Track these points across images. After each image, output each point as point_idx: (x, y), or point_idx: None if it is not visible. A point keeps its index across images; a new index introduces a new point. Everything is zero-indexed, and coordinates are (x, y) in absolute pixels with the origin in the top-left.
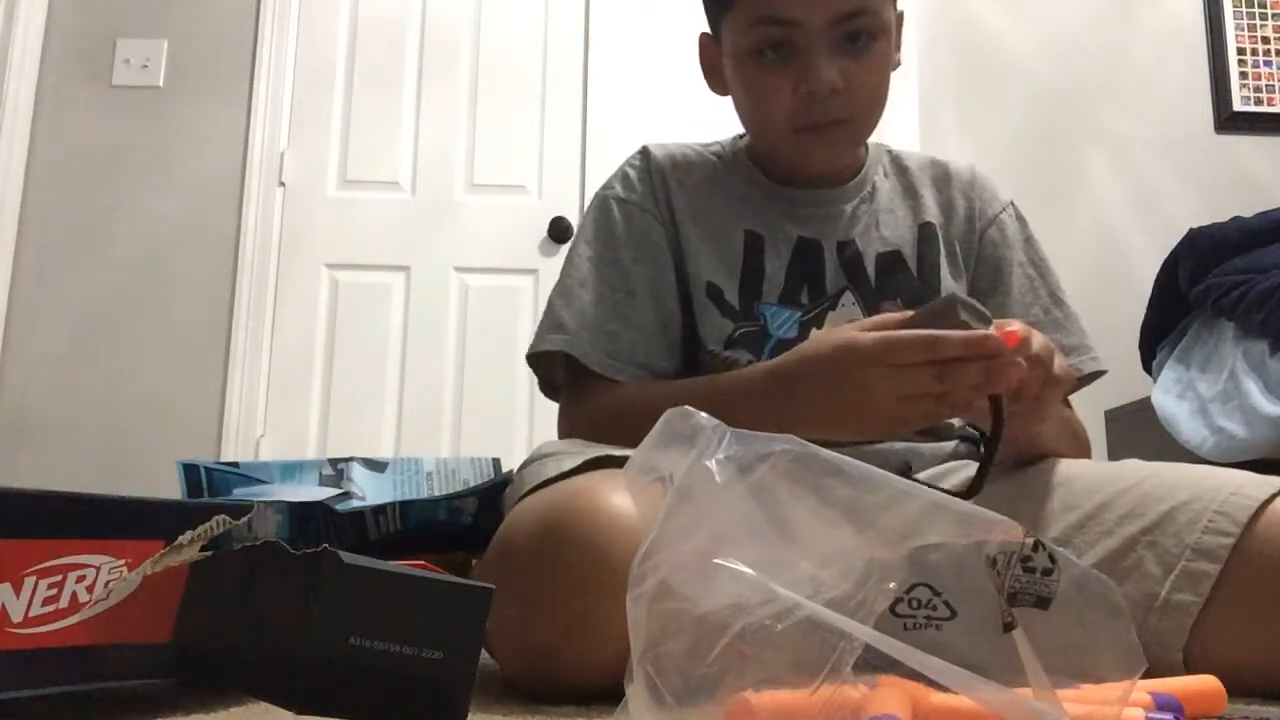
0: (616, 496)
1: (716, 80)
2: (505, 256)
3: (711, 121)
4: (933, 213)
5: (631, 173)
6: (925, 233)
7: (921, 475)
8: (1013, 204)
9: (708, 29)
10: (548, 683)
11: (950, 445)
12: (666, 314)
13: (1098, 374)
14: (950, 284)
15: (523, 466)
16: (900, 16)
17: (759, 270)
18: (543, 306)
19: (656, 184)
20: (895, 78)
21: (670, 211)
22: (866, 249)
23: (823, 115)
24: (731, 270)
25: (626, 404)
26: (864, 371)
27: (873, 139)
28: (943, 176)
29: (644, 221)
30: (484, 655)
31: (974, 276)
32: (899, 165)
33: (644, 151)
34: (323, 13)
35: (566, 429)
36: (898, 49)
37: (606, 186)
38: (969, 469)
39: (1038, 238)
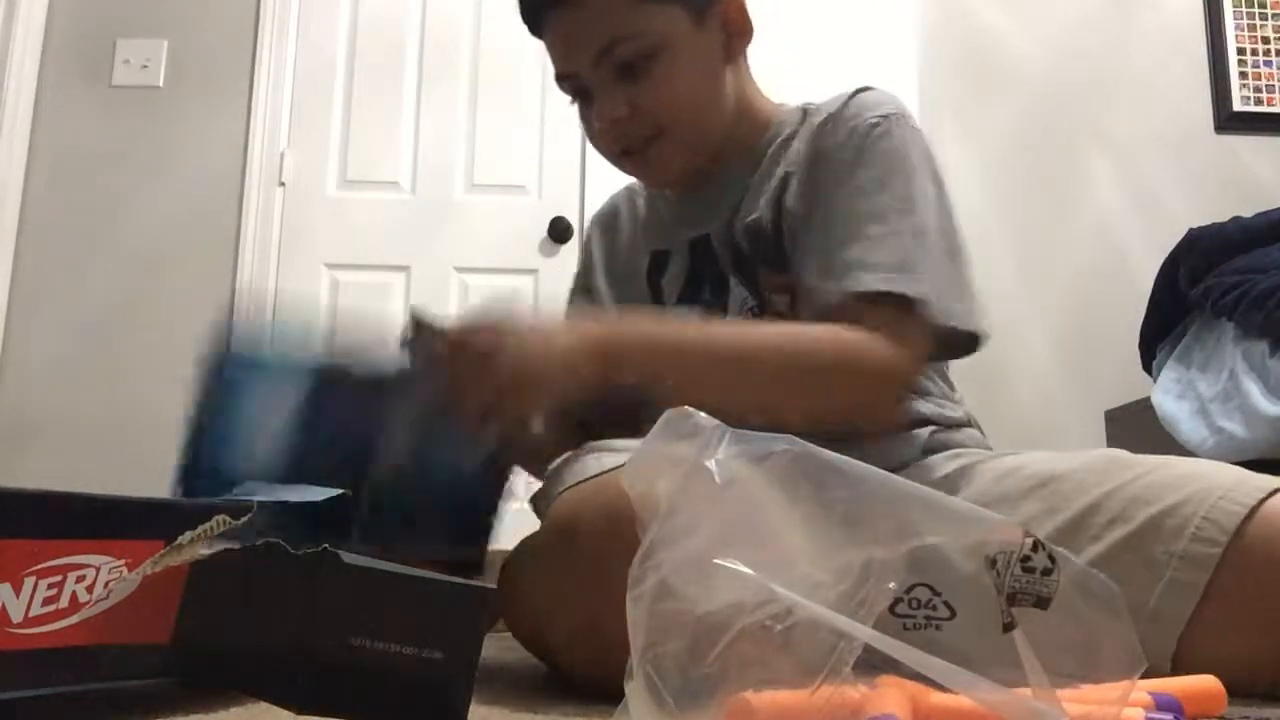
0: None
1: None
2: (505, 256)
3: None
4: (795, 160)
5: (583, 246)
6: (781, 187)
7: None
8: (887, 119)
9: None
10: (618, 675)
11: (920, 433)
12: None
13: (917, 302)
14: (794, 229)
15: (560, 465)
16: (732, 2)
17: (658, 287)
18: (543, 307)
19: (589, 258)
20: (895, 77)
21: (594, 275)
22: (740, 223)
23: (624, 141)
24: (642, 302)
25: None
26: None
27: (797, 103)
28: (822, 116)
29: (581, 296)
30: (484, 655)
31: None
32: (809, 125)
33: (592, 219)
34: (323, 13)
35: None
36: (740, 33)
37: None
38: (951, 465)
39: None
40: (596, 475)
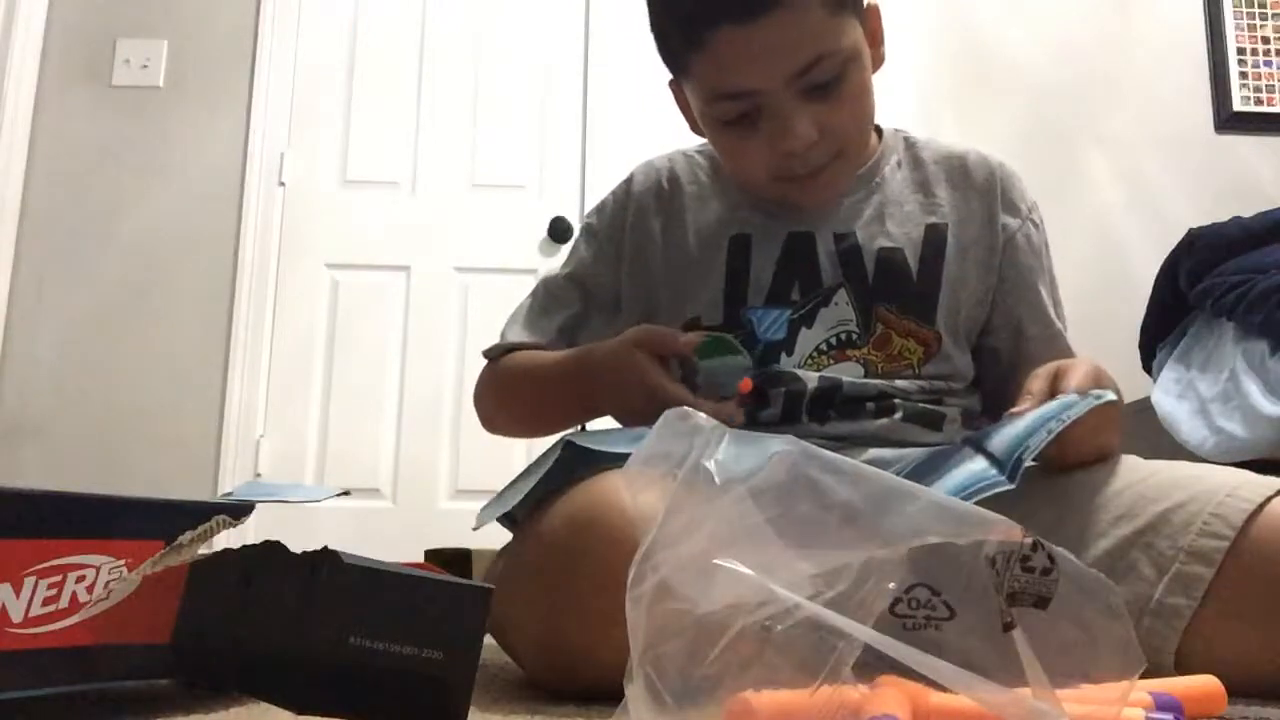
0: (644, 493)
1: (694, 124)
2: (505, 256)
3: None
4: (945, 212)
5: (610, 202)
6: (933, 234)
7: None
8: (1036, 206)
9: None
10: (576, 680)
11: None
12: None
13: None
14: (950, 292)
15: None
16: (874, 11)
17: (743, 275)
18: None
19: (631, 215)
20: (894, 77)
21: (641, 248)
22: (867, 244)
23: (803, 166)
24: (716, 288)
25: (508, 368)
26: (626, 358)
27: (889, 126)
28: (960, 172)
29: (598, 257)
30: (484, 655)
31: (1000, 281)
32: (915, 156)
33: (629, 179)
34: (323, 13)
35: (476, 393)
36: (880, 43)
37: (596, 208)
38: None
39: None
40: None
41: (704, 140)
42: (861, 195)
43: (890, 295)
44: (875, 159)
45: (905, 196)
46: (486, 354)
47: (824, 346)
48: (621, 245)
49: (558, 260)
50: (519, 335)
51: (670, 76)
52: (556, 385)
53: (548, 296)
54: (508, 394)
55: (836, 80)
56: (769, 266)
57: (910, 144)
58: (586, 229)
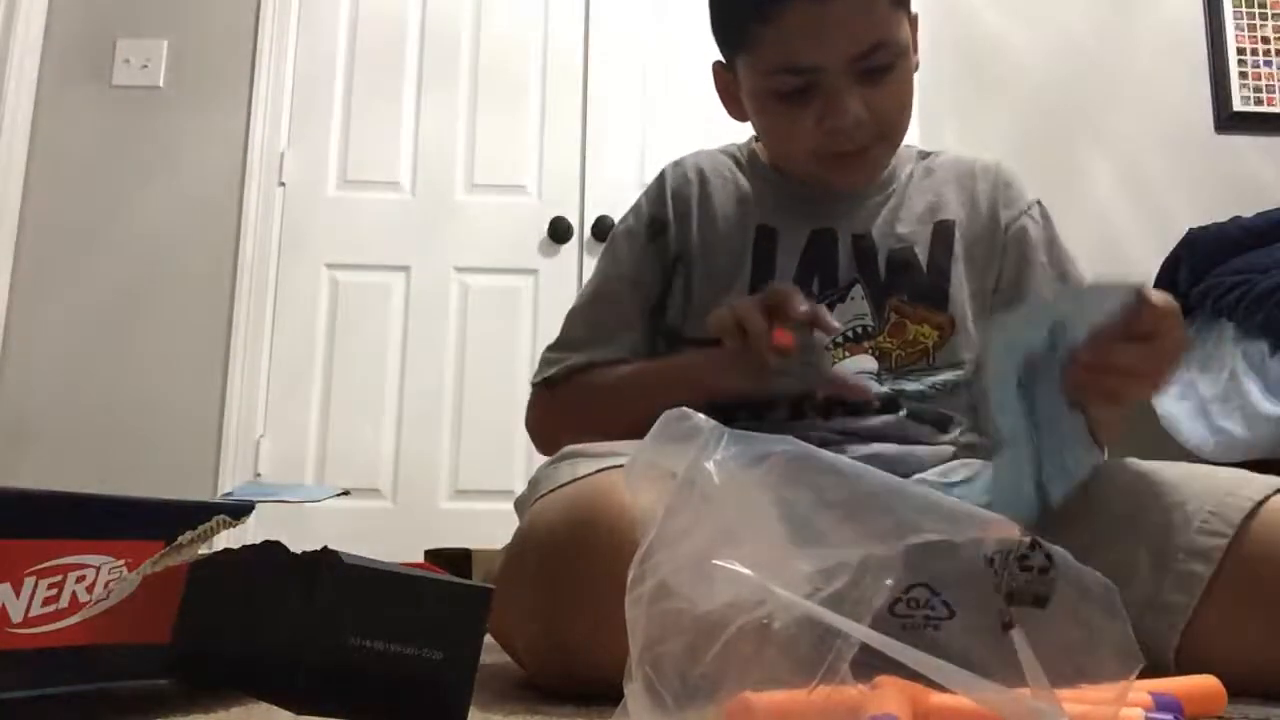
0: (644, 493)
1: (735, 108)
2: (505, 256)
3: (710, 120)
4: (952, 210)
5: (644, 202)
6: (941, 230)
7: (929, 475)
8: (1039, 203)
9: (720, 57)
10: (576, 679)
11: (948, 449)
12: (648, 346)
13: None
14: (961, 282)
15: (539, 471)
16: (915, 20)
17: (770, 263)
18: (543, 306)
19: (673, 208)
20: None
21: (682, 240)
22: (881, 243)
23: (848, 144)
24: (744, 278)
25: (587, 385)
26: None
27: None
28: (968, 174)
29: (641, 256)
30: (484, 655)
31: (1000, 273)
32: (927, 167)
33: (661, 176)
34: (323, 13)
35: (536, 417)
36: (915, 50)
37: (625, 216)
38: (968, 468)
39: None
40: (567, 483)
41: (733, 142)
42: (879, 199)
43: (902, 288)
44: (893, 168)
45: (916, 201)
46: (549, 380)
47: (839, 339)
48: (666, 220)
49: (557, 260)
50: (580, 359)
51: (717, 60)
52: (674, 381)
53: (598, 323)
54: (600, 409)
55: (888, 68)
56: (793, 260)
57: (923, 155)
58: (625, 233)
